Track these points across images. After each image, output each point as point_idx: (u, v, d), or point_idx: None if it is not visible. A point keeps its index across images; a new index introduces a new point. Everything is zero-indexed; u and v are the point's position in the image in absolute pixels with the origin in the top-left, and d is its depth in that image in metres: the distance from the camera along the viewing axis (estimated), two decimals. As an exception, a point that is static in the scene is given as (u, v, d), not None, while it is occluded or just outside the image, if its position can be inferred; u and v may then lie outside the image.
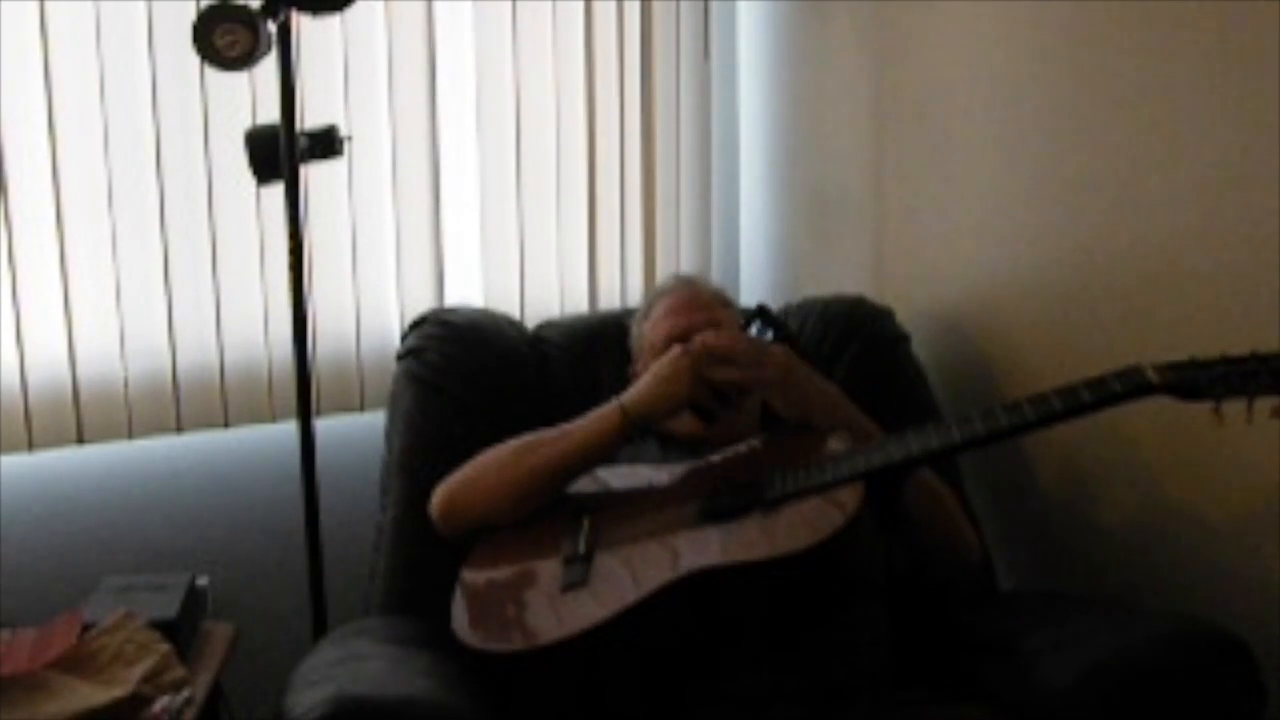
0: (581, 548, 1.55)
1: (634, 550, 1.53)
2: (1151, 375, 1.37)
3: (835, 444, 1.58)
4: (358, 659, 1.49)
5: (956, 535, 1.68)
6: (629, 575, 1.48)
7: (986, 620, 1.71)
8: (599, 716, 1.47)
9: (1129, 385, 1.38)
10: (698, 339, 1.65)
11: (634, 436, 1.65)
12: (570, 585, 1.50)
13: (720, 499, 1.54)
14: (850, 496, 1.45)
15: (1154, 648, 1.43)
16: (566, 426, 1.67)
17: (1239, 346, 1.59)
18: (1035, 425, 1.43)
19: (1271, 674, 1.44)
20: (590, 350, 2.08)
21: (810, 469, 1.51)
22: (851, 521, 1.42)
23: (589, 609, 1.45)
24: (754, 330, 1.81)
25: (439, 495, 1.70)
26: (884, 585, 1.61)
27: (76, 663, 1.59)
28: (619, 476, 1.70)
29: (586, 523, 1.60)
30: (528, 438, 1.70)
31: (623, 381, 1.93)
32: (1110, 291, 1.83)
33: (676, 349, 1.64)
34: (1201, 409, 1.35)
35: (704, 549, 1.47)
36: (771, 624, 1.47)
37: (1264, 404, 1.33)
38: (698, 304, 1.87)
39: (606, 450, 1.65)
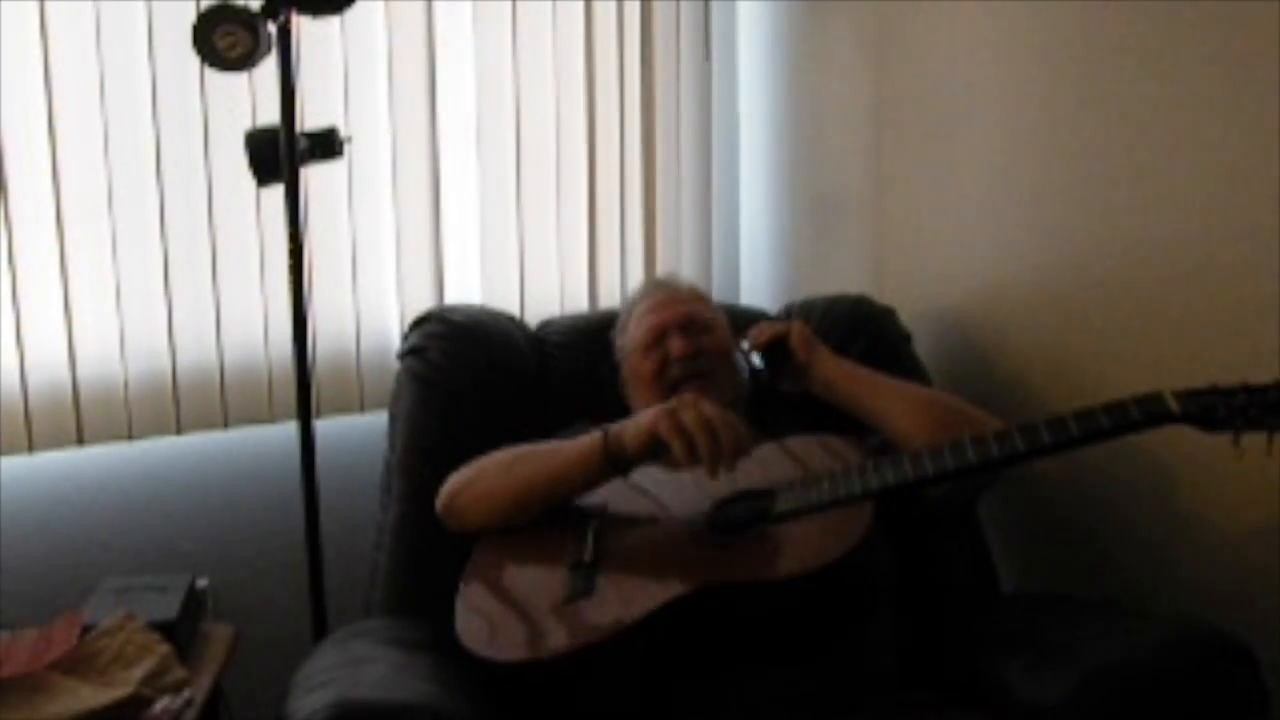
0: (587, 555, 1.54)
1: (640, 561, 1.52)
2: (1172, 404, 1.36)
3: (849, 454, 1.57)
4: (359, 662, 1.48)
5: (981, 427, 1.63)
6: (634, 587, 1.47)
7: (989, 623, 1.71)
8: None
9: (1148, 413, 1.37)
10: (691, 409, 1.49)
11: (617, 471, 1.57)
12: (575, 595, 1.49)
13: (728, 510, 1.53)
14: (860, 517, 1.44)
15: (1157, 652, 1.42)
16: (560, 444, 1.64)
17: (1238, 346, 1.60)
18: (1051, 450, 1.42)
19: (1274, 678, 1.44)
20: (591, 348, 2.08)
21: (822, 483, 1.50)
22: (860, 544, 1.41)
23: (594, 621, 1.44)
24: (755, 359, 1.82)
25: (443, 492, 1.70)
26: (893, 598, 1.60)
27: (76, 664, 1.59)
28: (626, 480, 1.69)
29: (592, 529, 1.59)
30: (524, 448, 1.69)
31: (618, 389, 1.94)
32: (1111, 290, 1.83)
33: (674, 400, 1.53)
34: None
35: (711, 564, 1.46)
36: (778, 638, 1.47)
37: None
38: (675, 299, 1.90)
39: (587, 479, 1.59)
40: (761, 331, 1.84)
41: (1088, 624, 1.56)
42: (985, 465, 1.45)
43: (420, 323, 2.04)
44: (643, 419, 1.54)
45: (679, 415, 1.48)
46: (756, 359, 1.82)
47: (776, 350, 1.81)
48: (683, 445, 1.47)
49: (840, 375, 1.76)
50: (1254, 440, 1.33)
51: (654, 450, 1.53)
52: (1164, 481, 1.78)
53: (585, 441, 1.59)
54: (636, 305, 1.95)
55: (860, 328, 2.04)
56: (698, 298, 1.95)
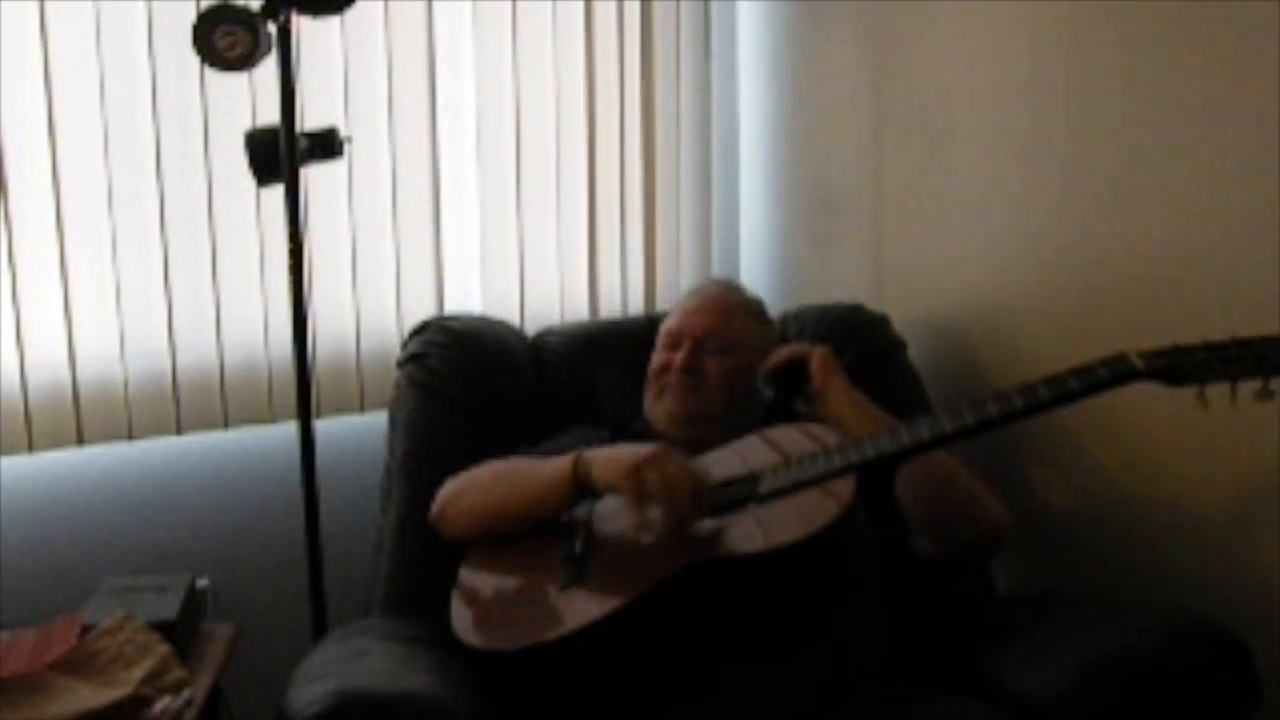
0: (578, 546, 1.56)
1: (630, 548, 1.53)
2: (1136, 361, 1.40)
3: (829, 438, 1.58)
4: (360, 655, 1.49)
5: (975, 502, 1.66)
6: (625, 573, 1.48)
7: (984, 617, 1.72)
8: (598, 711, 1.48)
9: (1115, 371, 1.41)
10: (657, 472, 1.49)
11: (584, 495, 1.59)
12: (567, 584, 1.51)
13: (715, 494, 1.54)
14: (843, 489, 1.46)
15: (1150, 644, 1.43)
16: (537, 465, 1.66)
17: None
18: (1024, 413, 1.44)
19: (1268, 670, 1.44)
20: (590, 357, 2.09)
21: (804, 463, 1.52)
22: (844, 514, 1.43)
23: (586, 607, 1.46)
24: (765, 387, 1.80)
25: (436, 502, 1.73)
26: (880, 577, 1.62)
27: (76, 664, 1.59)
28: None
29: (582, 521, 1.60)
30: (508, 465, 1.71)
31: (636, 379, 1.93)
32: (1108, 298, 1.83)
33: (658, 449, 1.53)
34: (1190, 400, 1.37)
35: (698, 544, 1.48)
36: (768, 617, 1.48)
37: (1246, 388, 1.36)
38: (710, 308, 1.86)
39: (560, 503, 1.61)
40: (780, 353, 1.82)
41: (1083, 618, 1.57)
42: (959, 434, 1.46)
43: (420, 330, 2.06)
44: (611, 467, 1.54)
45: (643, 478, 1.49)
46: (766, 387, 1.80)
47: (793, 372, 1.79)
48: (637, 509, 1.50)
49: (851, 413, 1.71)
50: (1244, 427, 1.34)
51: (610, 490, 1.55)
52: (1158, 478, 1.78)
53: (558, 466, 1.61)
54: (685, 298, 1.94)
55: (853, 336, 2.04)
56: (736, 312, 1.89)
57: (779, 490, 1.50)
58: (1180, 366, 1.38)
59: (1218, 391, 1.36)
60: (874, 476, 1.52)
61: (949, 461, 1.66)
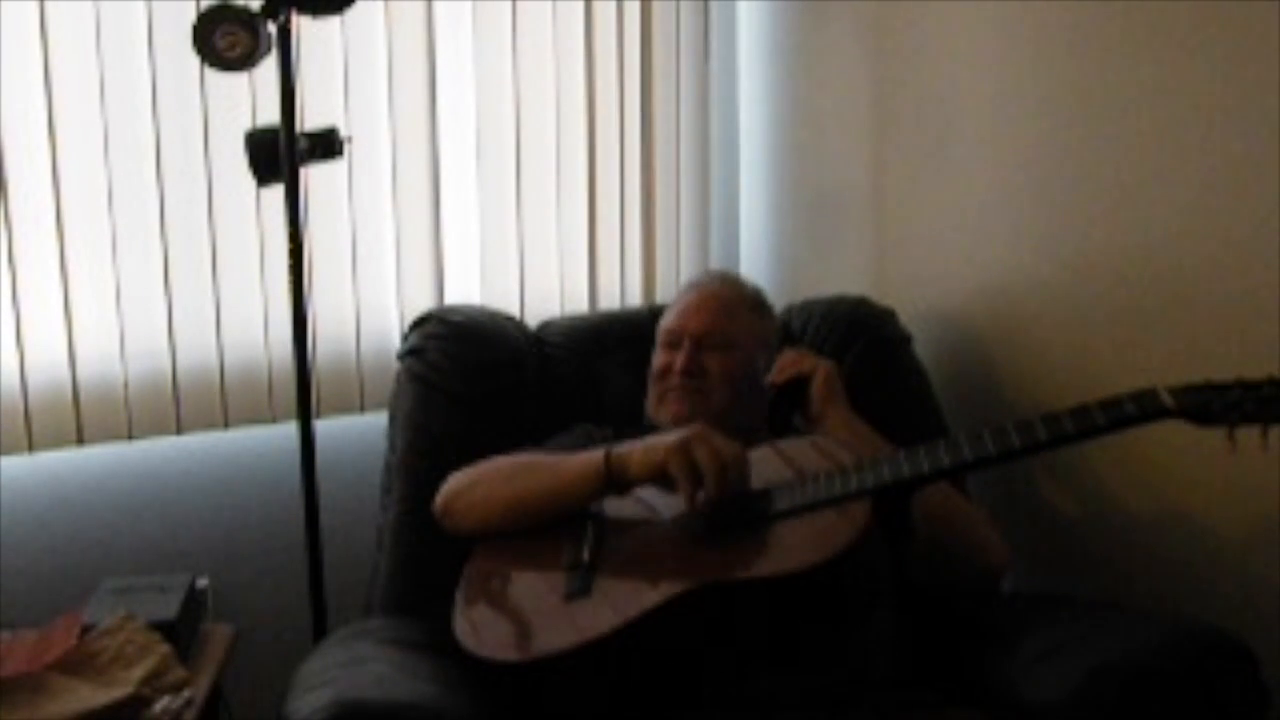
0: (585, 555, 1.54)
1: (638, 560, 1.51)
2: (1166, 399, 1.36)
3: (844, 455, 1.56)
4: (359, 662, 1.48)
5: (978, 542, 1.67)
6: (633, 587, 1.46)
7: (988, 622, 1.71)
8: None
9: (1143, 409, 1.37)
10: (705, 446, 1.49)
11: (616, 490, 1.58)
12: (573, 594, 1.49)
13: (727, 508, 1.52)
14: (858, 514, 1.44)
15: (1155, 651, 1.42)
16: (561, 459, 1.64)
17: (1239, 345, 1.60)
18: (1047, 446, 1.42)
19: (1273, 677, 1.44)
20: (592, 349, 2.09)
21: (819, 482, 1.50)
22: (859, 540, 1.41)
23: (592, 620, 1.44)
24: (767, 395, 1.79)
25: (441, 494, 1.70)
26: (892, 596, 1.60)
27: (76, 664, 1.59)
28: None
29: (590, 528, 1.58)
30: (527, 458, 1.69)
31: (639, 372, 1.93)
32: (1112, 291, 1.83)
33: (695, 429, 1.52)
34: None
35: (709, 563, 1.46)
36: (776, 635, 1.46)
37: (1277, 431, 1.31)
38: (710, 308, 1.85)
39: (585, 498, 1.60)
40: (784, 368, 1.80)
41: (1089, 623, 1.56)
42: (980, 462, 1.45)
43: (420, 323, 2.04)
44: (654, 451, 1.52)
45: (692, 452, 1.49)
46: (769, 392, 1.79)
47: (794, 389, 1.78)
48: (689, 486, 1.48)
49: (849, 442, 1.69)
50: (1250, 438, 1.33)
51: (657, 480, 1.53)
52: (1164, 482, 1.78)
53: (587, 461, 1.59)
54: (685, 291, 1.92)
55: (860, 329, 2.04)
56: (735, 308, 1.88)
57: (793, 509, 1.48)
58: (1211, 406, 1.34)
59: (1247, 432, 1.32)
60: (891, 497, 1.50)
61: (959, 501, 1.65)
